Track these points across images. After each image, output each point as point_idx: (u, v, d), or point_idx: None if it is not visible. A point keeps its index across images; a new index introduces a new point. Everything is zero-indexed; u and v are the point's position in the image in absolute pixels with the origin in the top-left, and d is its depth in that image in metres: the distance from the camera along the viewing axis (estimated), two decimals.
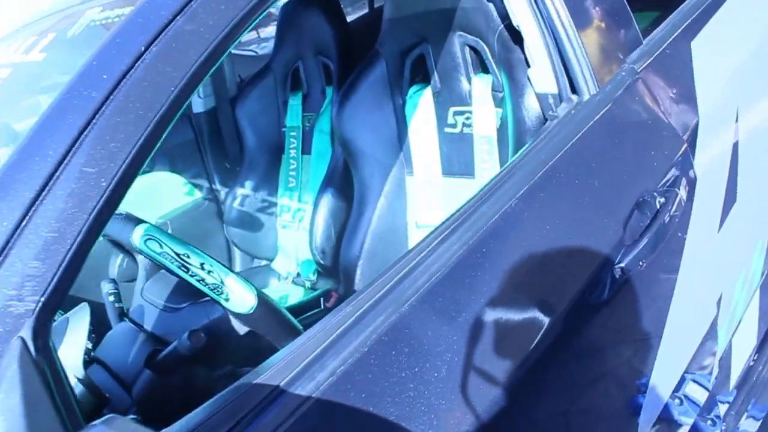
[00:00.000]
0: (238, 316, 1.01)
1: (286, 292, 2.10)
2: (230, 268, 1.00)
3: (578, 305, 0.94)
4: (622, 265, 0.96)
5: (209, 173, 2.27)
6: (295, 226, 2.12)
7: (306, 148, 2.08)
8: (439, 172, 1.55)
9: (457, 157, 1.52)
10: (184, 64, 0.74)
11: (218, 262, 0.99)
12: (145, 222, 1.01)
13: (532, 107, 1.23)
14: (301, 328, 1.10)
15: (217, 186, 2.26)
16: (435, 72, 1.52)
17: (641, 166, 1.06)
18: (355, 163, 1.62)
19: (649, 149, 1.08)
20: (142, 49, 0.74)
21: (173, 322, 1.08)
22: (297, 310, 1.85)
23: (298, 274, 2.11)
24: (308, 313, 1.75)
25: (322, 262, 1.83)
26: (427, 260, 0.83)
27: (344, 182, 1.77)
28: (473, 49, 1.44)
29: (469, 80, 1.46)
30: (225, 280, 0.98)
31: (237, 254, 2.30)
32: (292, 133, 2.11)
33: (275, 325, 1.03)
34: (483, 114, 1.43)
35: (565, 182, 0.97)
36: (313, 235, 1.83)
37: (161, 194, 2.19)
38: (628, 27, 1.19)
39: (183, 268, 0.97)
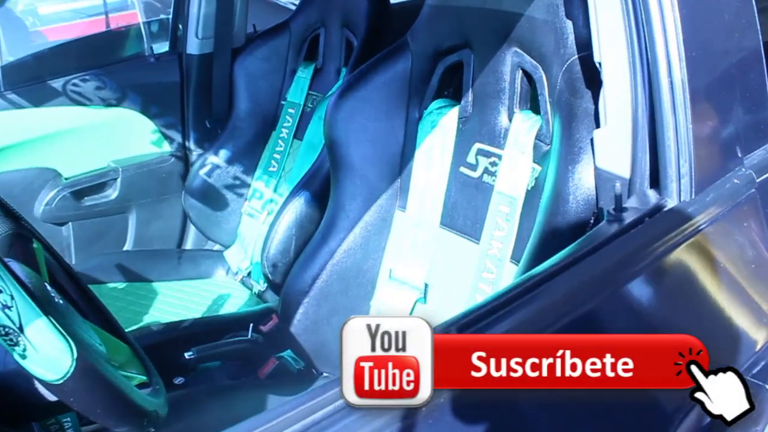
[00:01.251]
0: (40, 381, 0.64)
1: (229, 291, 1.83)
2: (47, 308, 0.63)
3: None
4: None
5: (186, 127, 2.01)
6: (262, 218, 1.88)
7: (300, 132, 1.85)
8: (438, 219, 1.23)
9: (464, 208, 1.18)
10: None
11: (30, 294, 0.62)
12: None
13: (584, 185, 0.85)
14: (153, 409, 0.74)
15: (191, 144, 2.00)
16: (470, 90, 1.19)
17: (718, 345, 0.66)
18: (338, 174, 1.30)
19: (733, 319, 0.68)
20: None
21: None
22: (222, 325, 1.52)
23: (249, 274, 1.81)
24: (231, 338, 1.39)
25: (270, 277, 1.52)
26: None
27: (326, 189, 1.43)
28: (528, 75, 1.09)
29: (511, 115, 1.12)
30: (26, 326, 0.61)
31: (191, 230, 2.04)
32: (290, 110, 1.89)
33: (99, 404, 0.67)
34: (514, 165, 1.09)
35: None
36: (268, 242, 1.49)
37: (121, 135, 1.86)
38: (759, 114, 0.79)
39: None
